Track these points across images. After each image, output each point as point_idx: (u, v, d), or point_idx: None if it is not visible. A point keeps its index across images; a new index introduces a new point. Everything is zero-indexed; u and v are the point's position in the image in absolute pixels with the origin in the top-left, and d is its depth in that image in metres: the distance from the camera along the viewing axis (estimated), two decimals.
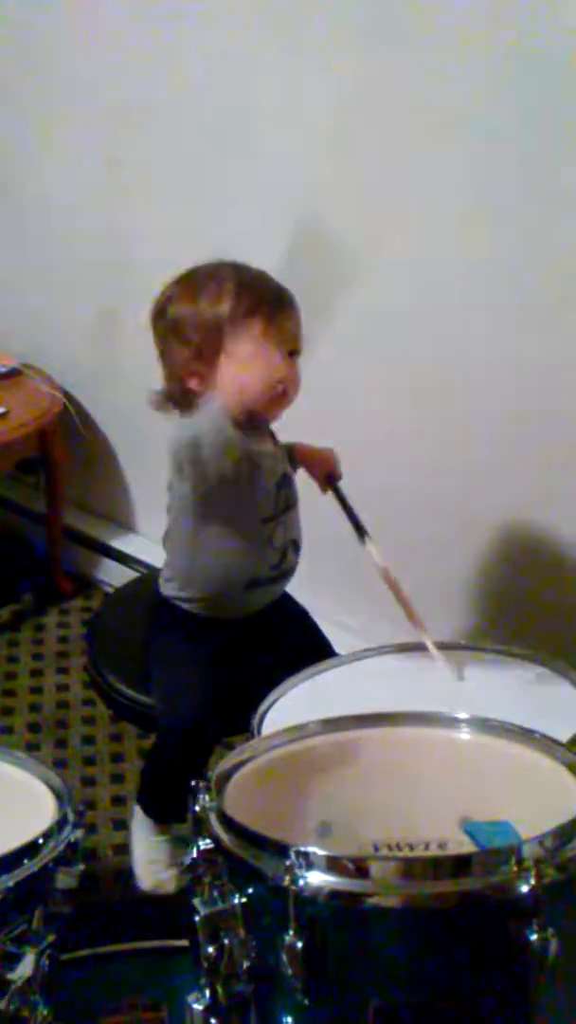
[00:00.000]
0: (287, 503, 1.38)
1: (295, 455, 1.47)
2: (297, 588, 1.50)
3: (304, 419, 1.39)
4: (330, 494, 1.45)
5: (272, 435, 1.41)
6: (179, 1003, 1.09)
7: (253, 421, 1.32)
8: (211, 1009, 0.85)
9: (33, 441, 2.15)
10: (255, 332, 1.26)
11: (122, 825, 1.82)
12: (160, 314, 1.32)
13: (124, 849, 1.77)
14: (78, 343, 2.22)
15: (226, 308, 1.26)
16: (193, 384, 1.31)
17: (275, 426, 1.42)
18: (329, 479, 1.45)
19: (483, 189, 1.57)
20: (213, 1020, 0.85)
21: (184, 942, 1.09)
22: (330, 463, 1.46)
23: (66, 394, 2.26)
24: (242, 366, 1.27)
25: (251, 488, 1.32)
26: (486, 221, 1.57)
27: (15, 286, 2.30)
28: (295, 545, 1.41)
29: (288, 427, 1.43)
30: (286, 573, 1.40)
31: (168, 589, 1.43)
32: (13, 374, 2.26)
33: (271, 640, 1.42)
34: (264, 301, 1.27)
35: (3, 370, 2.24)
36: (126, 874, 1.71)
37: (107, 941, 1.13)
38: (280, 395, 1.30)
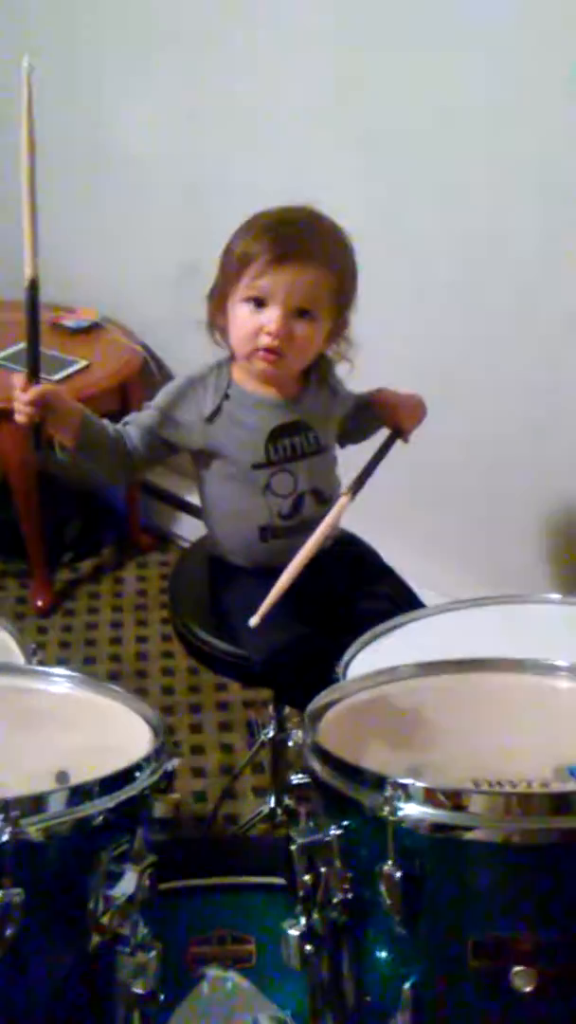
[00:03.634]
0: (294, 452, 1.34)
1: (373, 402, 1.43)
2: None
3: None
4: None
5: (290, 380, 1.35)
6: (266, 936, 1.12)
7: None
8: (306, 937, 0.85)
9: (114, 395, 2.15)
10: (246, 280, 1.24)
11: (200, 773, 1.84)
12: None
13: (203, 796, 1.80)
14: (158, 296, 2.23)
15: (241, 248, 1.25)
16: (219, 320, 1.31)
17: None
18: (394, 433, 1.39)
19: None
20: (308, 947, 0.85)
21: (272, 879, 1.11)
22: (400, 417, 1.40)
23: (146, 348, 2.28)
24: (233, 312, 1.28)
25: (225, 437, 1.32)
26: None
27: (96, 240, 2.31)
28: (317, 495, 1.36)
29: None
30: (307, 522, 1.32)
31: (210, 545, 1.46)
32: (94, 328, 2.28)
33: (344, 589, 1.39)
34: (261, 250, 1.22)
35: (85, 324, 2.26)
36: (206, 820, 1.74)
37: (196, 877, 1.15)
38: (260, 350, 1.26)
